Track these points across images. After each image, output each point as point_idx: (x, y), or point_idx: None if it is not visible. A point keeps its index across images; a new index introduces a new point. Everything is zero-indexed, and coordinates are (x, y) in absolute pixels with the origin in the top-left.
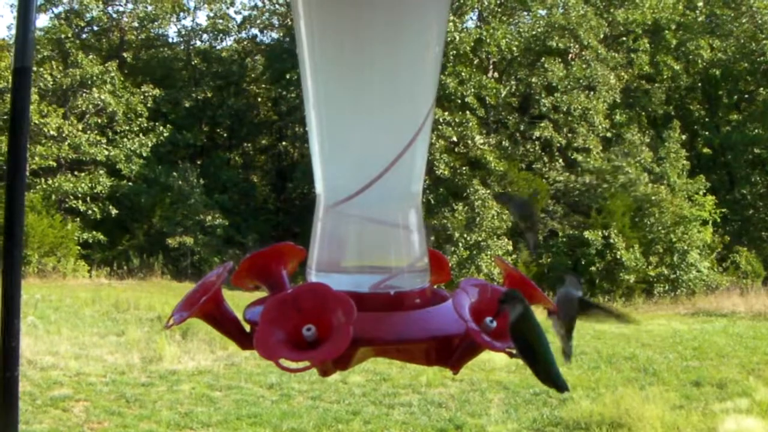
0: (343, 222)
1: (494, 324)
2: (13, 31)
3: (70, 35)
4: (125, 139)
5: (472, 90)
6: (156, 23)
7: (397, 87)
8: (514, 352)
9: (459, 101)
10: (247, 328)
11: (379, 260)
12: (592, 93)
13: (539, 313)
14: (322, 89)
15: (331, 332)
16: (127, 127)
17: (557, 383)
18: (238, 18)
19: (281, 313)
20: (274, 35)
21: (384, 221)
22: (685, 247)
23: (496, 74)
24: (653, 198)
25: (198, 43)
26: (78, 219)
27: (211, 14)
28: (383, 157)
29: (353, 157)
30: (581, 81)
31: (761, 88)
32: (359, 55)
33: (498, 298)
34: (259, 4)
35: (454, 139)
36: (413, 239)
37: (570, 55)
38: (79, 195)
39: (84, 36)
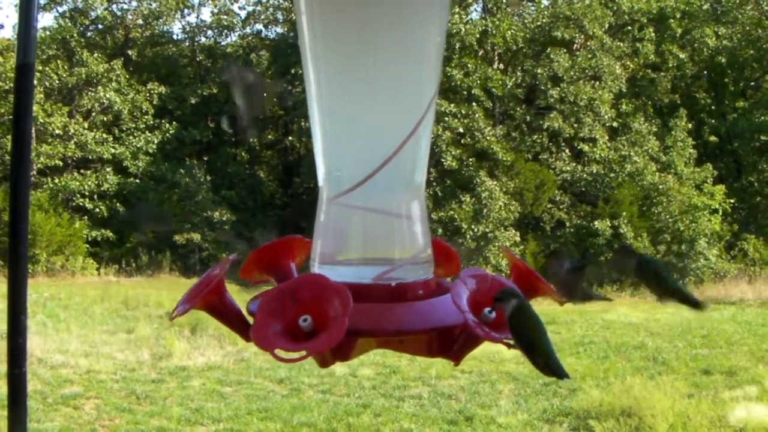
0: (345, 213)
1: (493, 315)
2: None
3: (74, 34)
4: (131, 137)
5: (478, 81)
6: (160, 20)
7: (399, 76)
8: (512, 342)
9: (465, 93)
10: (251, 320)
11: (381, 252)
12: (597, 83)
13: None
14: (324, 80)
15: (328, 323)
16: (133, 125)
17: (556, 372)
18: (243, 14)
19: (278, 305)
20: (279, 30)
21: (387, 212)
22: (693, 236)
23: (501, 65)
24: (660, 187)
25: (203, 39)
26: (85, 217)
27: (216, 10)
28: (386, 147)
29: (355, 148)
30: (587, 71)
31: (767, 75)
32: (361, 44)
33: (494, 297)
34: None
35: (461, 130)
36: (416, 230)
37: (575, 46)
38: (86, 193)
39: (89, 34)
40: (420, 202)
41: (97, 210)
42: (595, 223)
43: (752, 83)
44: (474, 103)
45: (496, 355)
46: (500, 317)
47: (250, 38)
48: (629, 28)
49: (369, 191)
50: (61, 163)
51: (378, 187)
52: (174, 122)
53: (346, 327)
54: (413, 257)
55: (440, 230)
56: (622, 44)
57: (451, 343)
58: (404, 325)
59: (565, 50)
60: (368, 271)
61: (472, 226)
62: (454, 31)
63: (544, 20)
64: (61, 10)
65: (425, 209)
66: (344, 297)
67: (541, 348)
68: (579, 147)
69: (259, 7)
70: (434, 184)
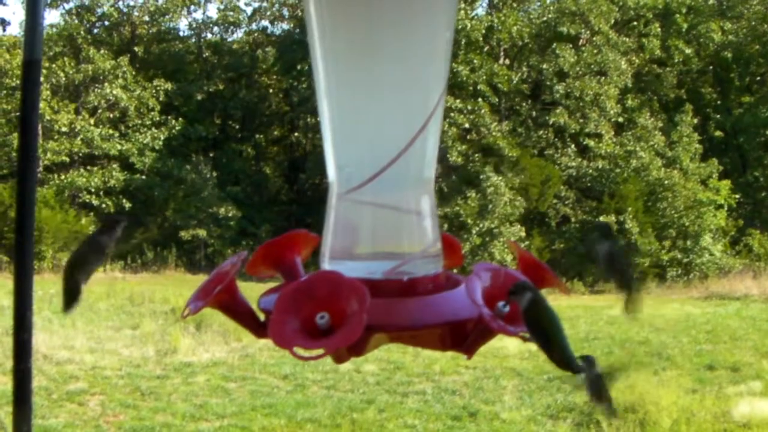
0: (355, 209)
1: (507, 308)
2: None
3: (81, 31)
4: (138, 133)
5: (484, 77)
6: (167, 17)
7: (409, 72)
8: (527, 336)
9: (471, 89)
10: (262, 317)
11: (392, 246)
12: (603, 78)
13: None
14: (333, 76)
15: (345, 320)
16: (140, 121)
17: (572, 366)
18: (249, 10)
19: (295, 302)
20: (285, 26)
21: (397, 207)
22: (698, 231)
23: (507, 61)
24: (666, 182)
25: (209, 35)
26: (92, 213)
27: (222, 7)
28: (395, 143)
29: (365, 144)
30: (592, 66)
31: None
32: (370, 40)
33: (508, 290)
34: None
35: (467, 126)
36: (426, 225)
37: (581, 41)
38: (92, 189)
39: (95, 31)
40: (429, 197)
41: (104, 206)
42: (601, 218)
43: (758, 78)
44: (480, 99)
45: (500, 351)
46: (514, 311)
47: (256, 34)
48: (635, 23)
49: (379, 187)
50: (67, 160)
51: (388, 183)
52: (180, 118)
53: (364, 323)
54: (423, 251)
55: (446, 226)
56: (627, 39)
57: (464, 336)
58: (418, 319)
59: (570, 46)
60: (379, 266)
61: (478, 222)
62: (460, 26)
63: (549, 16)
64: (67, 7)
65: (434, 204)
66: (361, 294)
67: (557, 341)
68: (584, 142)
69: (265, 4)
70: (440, 179)
